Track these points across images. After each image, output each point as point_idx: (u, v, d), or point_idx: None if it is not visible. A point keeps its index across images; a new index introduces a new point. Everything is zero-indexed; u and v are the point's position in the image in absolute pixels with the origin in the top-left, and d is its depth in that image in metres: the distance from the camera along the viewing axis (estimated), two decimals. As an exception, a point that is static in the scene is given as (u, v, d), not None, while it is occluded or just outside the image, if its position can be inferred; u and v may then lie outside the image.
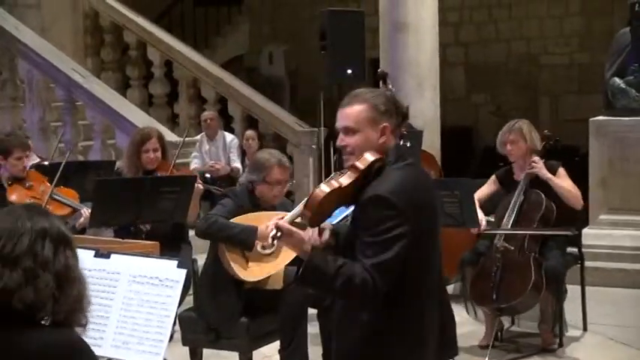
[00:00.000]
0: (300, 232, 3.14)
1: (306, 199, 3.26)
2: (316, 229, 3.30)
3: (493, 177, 6.09)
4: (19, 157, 6.01)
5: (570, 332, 6.21)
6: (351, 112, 3.24)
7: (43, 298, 2.24)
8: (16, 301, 2.21)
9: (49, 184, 6.06)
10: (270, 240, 3.21)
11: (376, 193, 3.08)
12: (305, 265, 3.05)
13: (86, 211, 5.90)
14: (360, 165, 3.17)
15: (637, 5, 7.86)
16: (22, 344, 2.22)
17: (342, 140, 3.27)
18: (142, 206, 5.86)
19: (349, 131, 3.24)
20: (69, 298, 2.30)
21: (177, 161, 6.87)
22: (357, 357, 3.25)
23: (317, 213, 3.20)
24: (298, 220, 3.23)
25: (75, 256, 2.37)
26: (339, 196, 3.23)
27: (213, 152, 9.45)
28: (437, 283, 3.36)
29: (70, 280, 2.31)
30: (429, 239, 3.22)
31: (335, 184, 3.19)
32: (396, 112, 3.28)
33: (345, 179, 3.18)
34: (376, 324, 3.16)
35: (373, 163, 3.17)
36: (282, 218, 3.21)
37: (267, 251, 5.02)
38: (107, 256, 3.43)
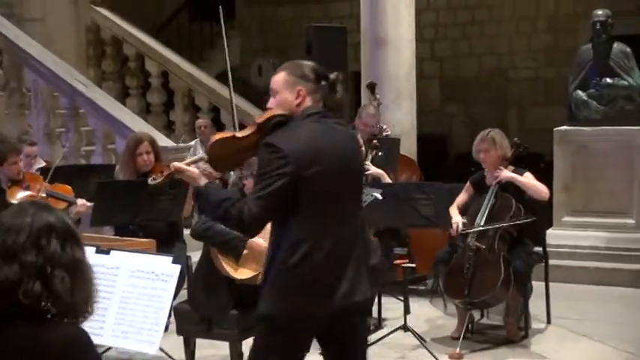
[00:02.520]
0: (193, 170, 3.47)
1: None
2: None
3: (468, 183, 6.12)
4: (14, 161, 5.99)
5: (535, 325, 6.24)
6: (275, 78, 3.53)
7: (56, 292, 2.21)
8: (21, 296, 2.19)
9: (45, 183, 6.07)
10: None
11: (266, 140, 3.33)
12: (197, 192, 3.44)
13: (80, 202, 5.95)
14: (259, 119, 3.51)
15: (598, 24, 7.90)
16: (41, 338, 2.17)
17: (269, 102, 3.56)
18: (140, 206, 5.87)
19: (273, 93, 3.51)
20: (81, 290, 2.29)
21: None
22: (269, 263, 3.47)
23: (215, 156, 3.52)
24: (201, 163, 3.57)
25: (82, 250, 2.34)
26: (239, 144, 3.52)
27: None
28: (342, 219, 3.49)
29: (79, 273, 2.30)
30: (328, 179, 3.35)
31: (229, 133, 3.64)
32: (316, 79, 3.49)
33: (243, 132, 3.52)
34: (277, 241, 3.41)
35: (271, 117, 3.46)
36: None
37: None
38: (107, 253, 3.44)
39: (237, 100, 10.44)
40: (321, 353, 3.70)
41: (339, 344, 3.56)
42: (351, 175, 3.57)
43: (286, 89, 3.47)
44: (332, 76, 3.59)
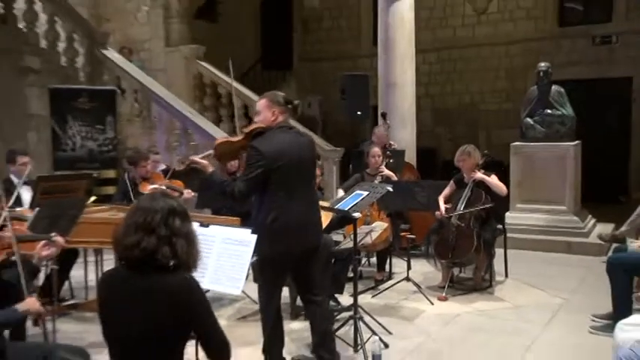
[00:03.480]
0: (204, 162, 3.78)
1: None
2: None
3: (451, 181, 6.08)
4: (144, 165, 6.08)
5: (497, 278, 6.21)
6: (260, 102, 3.81)
7: (179, 254, 2.29)
8: (159, 257, 2.25)
9: (165, 180, 6.15)
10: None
11: (250, 143, 3.66)
12: (206, 176, 3.76)
13: (188, 192, 6.04)
14: (246, 130, 3.78)
15: (541, 72, 7.87)
16: (169, 283, 2.24)
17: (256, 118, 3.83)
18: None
19: (257, 113, 3.79)
20: (192, 252, 2.34)
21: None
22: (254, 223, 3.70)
23: (219, 153, 3.86)
24: (210, 156, 3.86)
25: (191, 224, 2.40)
26: (234, 146, 3.84)
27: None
28: (303, 193, 3.77)
29: (191, 240, 2.35)
30: (289, 169, 3.63)
31: (228, 138, 3.95)
32: (285, 104, 3.77)
33: (237, 137, 3.88)
34: (257, 207, 3.71)
35: (255, 129, 3.73)
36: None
37: None
38: (207, 226, 3.48)
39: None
40: (294, 280, 4.12)
41: (304, 271, 3.87)
42: (304, 167, 3.79)
43: (266, 110, 3.73)
44: (295, 102, 3.91)
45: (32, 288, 2.90)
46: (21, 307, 2.77)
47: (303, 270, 3.86)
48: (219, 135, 9.28)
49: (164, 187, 5.77)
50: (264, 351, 3.90)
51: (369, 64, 11.86)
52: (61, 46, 9.11)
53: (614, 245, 6.07)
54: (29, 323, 3.75)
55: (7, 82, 8.12)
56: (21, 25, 8.55)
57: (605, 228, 7.88)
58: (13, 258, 2.89)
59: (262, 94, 3.88)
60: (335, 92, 10.52)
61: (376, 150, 6.46)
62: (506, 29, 12.97)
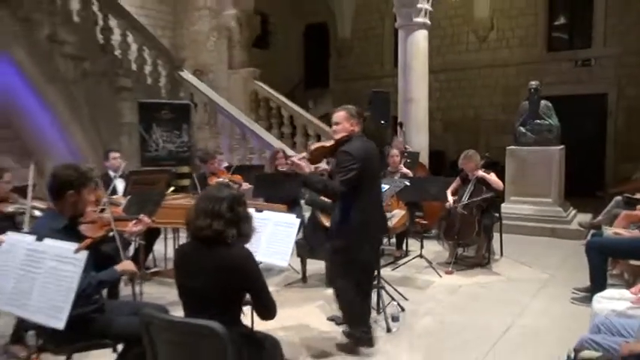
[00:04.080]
0: (302, 163, 3.53)
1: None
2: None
3: (457, 177, 5.98)
4: (212, 162, 6.11)
5: (494, 257, 6.11)
6: (338, 114, 3.61)
7: (241, 232, 2.33)
8: (226, 236, 2.28)
9: (227, 174, 6.17)
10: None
11: (342, 149, 3.47)
12: (305, 177, 3.50)
13: (245, 184, 6.01)
14: (336, 137, 3.59)
15: (532, 89, 7.69)
16: (230, 255, 2.27)
17: (334, 127, 3.61)
18: (277, 187, 5.92)
19: (337, 123, 3.59)
20: (249, 231, 2.36)
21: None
22: (338, 223, 3.54)
23: (313, 156, 3.65)
24: (304, 158, 3.63)
25: (248, 210, 2.41)
26: (325, 150, 3.66)
27: (312, 162, 9.48)
28: (378, 195, 3.71)
29: (249, 222, 2.37)
30: (371, 173, 3.53)
31: (322, 143, 3.75)
32: (358, 116, 3.60)
33: (328, 143, 3.67)
34: (347, 205, 3.48)
35: (342, 137, 3.56)
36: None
37: None
38: (261, 211, 3.47)
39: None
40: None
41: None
42: (377, 170, 3.72)
43: (345, 121, 3.57)
44: (365, 114, 3.76)
45: (125, 258, 2.94)
46: (119, 267, 2.81)
47: (371, 258, 3.77)
48: (271, 139, 9.33)
49: (227, 180, 5.83)
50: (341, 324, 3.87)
51: (390, 82, 11.75)
52: (148, 69, 9.25)
53: (592, 231, 5.93)
54: (122, 286, 3.83)
55: (106, 98, 8.28)
56: (117, 52, 8.70)
57: (585, 217, 7.68)
58: (111, 234, 2.94)
59: (339, 107, 3.69)
60: (363, 105, 10.50)
61: (395, 152, 6.46)
62: (503, 54, 12.79)
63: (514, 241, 6.81)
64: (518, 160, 7.74)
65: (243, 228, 2.34)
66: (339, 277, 3.61)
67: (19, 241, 2.47)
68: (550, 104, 7.79)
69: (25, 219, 3.71)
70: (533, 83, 7.75)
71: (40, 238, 2.42)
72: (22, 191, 4.08)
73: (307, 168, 3.51)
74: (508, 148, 7.91)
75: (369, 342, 3.67)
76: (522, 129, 7.78)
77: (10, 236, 2.54)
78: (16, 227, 3.65)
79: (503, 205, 7.15)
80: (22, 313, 2.31)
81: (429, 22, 8.57)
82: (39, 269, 2.34)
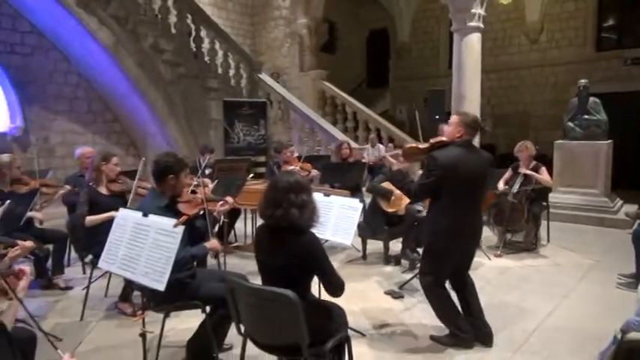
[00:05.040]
0: (392, 159, 3.44)
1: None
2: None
3: (509, 169, 5.70)
4: (285, 152, 6.14)
5: (541, 242, 5.82)
6: (454, 117, 3.20)
7: (306, 215, 2.28)
8: (291, 219, 2.24)
9: (299, 163, 6.19)
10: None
11: (431, 154, 3.08)
12: (394, 172, 3.32)
13: (314, 172, 6.01)
14: (432, 141, 3.19)
15: (581, 87, 7.23)
16: (299, 241, 2.24)
17: (443, 127, 3.27)
18: (344, 174, 5.91)
19: (449, 125, 3.21)
20: (314, 216, 2.33)
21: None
22: (428, 224, 3.22)
23: (406, 154, 3.30)
24: (397, 155, 3.44)
25: (312, 194, 2.37)
26: (419, 151, 3.23)
27: (373, 153, 9.37)
28: (471, 203, 3.13)
29: (313, 206, 2.33)
30: (460, 181, 3.02)
31: (416, 144, 3.31)
32: (472, 125, 3.15)
33: (423, 145, 3.23)
34: (435, 209, 3.15)
35: (439, 141, 3.16)
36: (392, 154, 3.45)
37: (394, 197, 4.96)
38: (328, 196, 3.47)
39: (388, 126, 10.30)
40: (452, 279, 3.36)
41: (461, 263, 3.28)
42: (473, 181, 3.11)
43: (455, 126, 3.15)
44: (482, 124, 3.23)
45: (213, 234, 3.04)
46: (208, 245, 2.92)
47: (461, 262, 3.28)
48: (336, 132, 9.32)
49: (298, 168, 5.89)
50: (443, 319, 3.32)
51: (445, 82, 11.41)
52: (232, 72, 9.47)
53: (638, 221, 5.54)
54: (209, 257, 3.96)
55: (197, 97, 8.56)
56: (206, 58, 8.97)
57: (631, 208, 7.15)
58: (202, 212, 3.04)
59: (457, 113, 3.27)
60: (419, 102, 10.26)
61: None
62: (552, 54, 12.10)
63: (561, 228, 6.47)
64: (566, 154, 7.31)
65: (305, 212, 2.28)
66: (422, 274, 3.30)
67: (129, 216, 2.60)
68: (598, 100, 7.30)
69: (130, 197, 3.94)
70: (582, 81, 7.30)
71: (145, 214, 2.55)
72: (127, 175, 4.33)
73: (396, 165, 3.33)
74: (556, 142, 7.49)
75: (464, 343, 3.23)
76: (571, 124, 7.34)
77: (122, 212, 2.68)
78: (126, 204, 3.86)
79: (551, 194, 6.81)
80: (131, 276, 2.43)
81: (482, 25, 8.22)
82: (145, 240, 2.45)
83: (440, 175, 3.02)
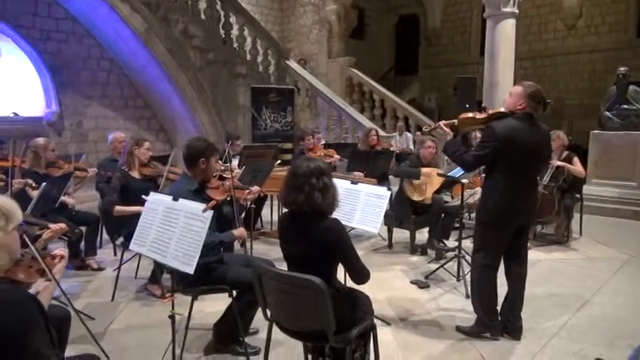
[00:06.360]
0: (447, 129, 3.12)
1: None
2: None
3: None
4: (309, 139, 6.14)
5: (573, 235, 5.67)
6: (516, 87, 3.02)
7: (327, 200, 2.26)
8: (313, 205, 2.21)
9: (324, 150, 6.19)
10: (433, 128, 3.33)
11: (489, 125, 2.96)
12: (447, 142, 3.10)
13: (337, 157, 6.01)
14: (490, 111, 3.09)
15: (621, 75, 6.96)
16: (322, 228, 2.21)
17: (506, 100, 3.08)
18: (369, 162, 5.87)
19: (509, 95, 3.03)
20: (335, 201, 2.31)
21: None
22: (481, 201, 3.11)
23: (461, 123, 3.14)
24: (451, 125, 3.15)
25: (332, 180, 2.33)
26: (475, 121, 3.12)
27: (400, 141, 9.28)
28: (526, 180, 3.00)
29: (334, 191, 2.30)
30: (517, 156, 2.89)
31: (473, 114, 3.15)
32: (536, 98, 2.95)
33: (480, 115, 3.11)
34: (489, 185, 3.03)
35: (496, 112, 3.04)
36: (446, 124, 3.17)
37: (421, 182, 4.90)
38: (356, 184, 3.45)
39: (417, 114, 10.17)
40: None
41: (513, 243, 3.11)
42: (532, 155, 2.95)
43: (518, 97, 2.96)
44: (547, 100, 3.01)
45: (239, 220, 3.07)
46: (235, 232, 2.95)
47: (513, 242, 3.11)
48: (363, 120, 9.26)
49: (322, 154, 5.87)
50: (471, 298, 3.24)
51: (475, 69, 11.22)
52: (260, 58, 9.49)
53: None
54: (235, 243, 4.00)
55: (226, 83, 8.62)
56: (235, 44, 9.00)
57: (670, 202, 6.90)
58: (229, 198, 3.07)
59: (520, 83, 3.01)
60: (448, 90, 10.09)
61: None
62: (591, 41, 11.67)
63: (595, 221, 6.29)
64: (602, 144, 7.08)
65: (327, 196, 2.24)
66: (474, 251, 3.18)
67: (160, 200, 2.65)
68: (639, 89, 7.02)
69: (162, 182, 4.01)
70: (622, 69, 7.03)
71: (175, 199, 2.59)
72: (158, 160, 4.40)
73: (450, 134, 3.21)
74: (592, 132, 7.25)
75: (489, 331, 3.16)
76: (608, 114, 7.09)
77: (152, 196, 2.72)
78: (158, 188, 3.93)
79: (585, 186, 6.61)
80: (161, 259, 2.48)
81: (517, 11, 7.99)
82: (176, 224, 2.49)
83: (496, 147, 2.88)
